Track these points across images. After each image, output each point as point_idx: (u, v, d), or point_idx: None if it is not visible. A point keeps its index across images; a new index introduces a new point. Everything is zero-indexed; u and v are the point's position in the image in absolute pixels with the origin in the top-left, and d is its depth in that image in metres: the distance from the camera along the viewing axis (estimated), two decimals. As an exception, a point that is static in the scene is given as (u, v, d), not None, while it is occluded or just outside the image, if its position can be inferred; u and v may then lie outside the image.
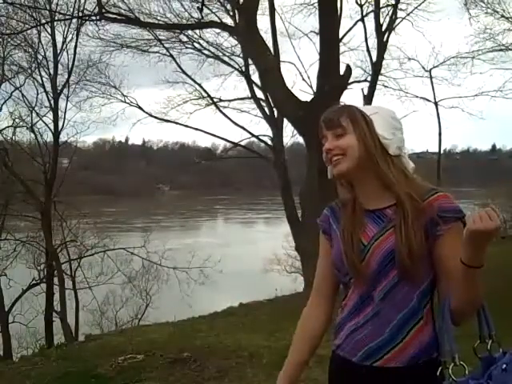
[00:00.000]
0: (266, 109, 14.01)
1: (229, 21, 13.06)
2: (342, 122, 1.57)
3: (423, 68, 13.93)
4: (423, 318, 1.54)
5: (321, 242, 1.74)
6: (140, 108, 14.95)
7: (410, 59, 13.73)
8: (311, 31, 13.03)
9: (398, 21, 12.97)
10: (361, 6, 12.64)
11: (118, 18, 11.41)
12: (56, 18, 12.65)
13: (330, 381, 1.80)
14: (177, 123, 15.14)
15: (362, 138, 1.55)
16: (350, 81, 11.06)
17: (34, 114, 14.63)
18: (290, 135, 14.19)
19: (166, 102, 14.85)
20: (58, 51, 14.17)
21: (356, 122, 1.57)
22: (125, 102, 14.98)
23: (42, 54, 14.22)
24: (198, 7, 11.25)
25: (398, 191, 1.54)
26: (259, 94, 14.14)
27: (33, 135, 14.94)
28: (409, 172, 1.60)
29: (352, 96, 13.99)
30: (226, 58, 14.61)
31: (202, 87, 14.94)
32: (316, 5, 10.88)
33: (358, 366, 1.58)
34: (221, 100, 15.05)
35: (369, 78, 12.94)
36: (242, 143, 15.68)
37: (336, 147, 1.57)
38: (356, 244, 1.55)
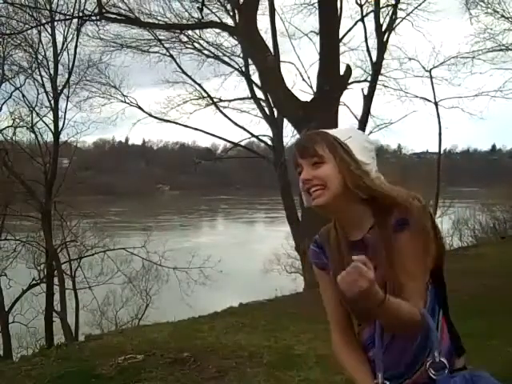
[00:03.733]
0: (266, 109, 14.02)
1: (229, 21, 13.08)
2: (318, 151, 1.51)
3: (423, 68, 13.93)
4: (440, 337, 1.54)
5: (319, 277, 1.69)
6: (140, 108, 14.96)
7: (410, 59, 13.74)
8: (311, 31, 13.04)
9: (398, 21, 12.97)
10: (361, 6, 12.64)
11: (118, 18, 11.41)
12: (56, 18, 12.65)
13: None
14: (177, 123, 15.15)
15: (342, 166, 1.50)
16: (349, 81, 11.08)
17: (34, 114, 14.63)
18: (290, 135, 14.17)
19: (166, 102, 14.86)
20: (59, 51, 14.17)
21: (333, 149, 1.51)
22: (125, 102, 15.00)
23: (43, 53, 14.23)
24: (198, 7, 11.25)
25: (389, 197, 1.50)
26: (259, 94, 14.16)
27: (33, 135, 14.95)
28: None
29: (352, 96, 14.02)
30: (226, 58, 14.63)
31: (202, 87, 14.96)
32: (316, 5, 10.88)
33: None
34: (221, 100, 15.06)
35: (369, 78, 12.95)
36: (242, 143, 15.70)
37: (314, 177, 1.50)
38: None
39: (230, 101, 15.11)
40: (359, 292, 1.29)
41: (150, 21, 12.67)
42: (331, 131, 1.59)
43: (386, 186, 1.53)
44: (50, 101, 14.50)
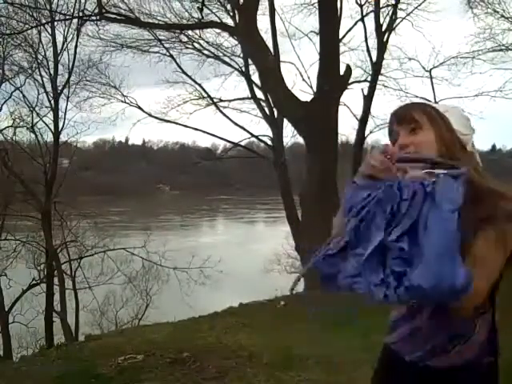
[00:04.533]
0: (266, 109, 14.01)
1: (229, 21, 13.07)
2: (416, 117, 1.52)
3: (423, 68, 13.91)
4: (480, 318, 1.53)
5: None
6: (140, 108, 14.95)
7: (410, 59, 13.71)
8: (311, 31, 13.04)
9: (398, 21, 12.95)
10: (361, 6, 12.64)
11: (118, 18, 11.42)
12: (56, 18, 12.66)
13: (377, 372, 1.74)
14: (177, 123, 15.14)
15: (440, 133, 1.50)
16: (350, 81, 11.09)
17: (34, 114, 14.64)
18: (290, 135, 14.18)
19: (166, 102, 14.84)
20: (59, 51, 14.17)
21: (432, 117, 1.52)
22: (125, 102, 14.98)
23: (43, 54, 14.23)
24: (198, 7, 11.26)
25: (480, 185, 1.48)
26: (259, 94, 14.15)
27: (33, 135, 14.95)
28: (482, 170, 1.57)
29: (352, 96, 14.01)
30: (226, 58, 14.61)
31: (202, 87, 14.94)
32: (316, 5, 10.88)
33: (411, 364, 1.56)
34: (221, 100, 15.04)
35: (369, 78, 12.94)
36: (242, 143, 15.68)
37: (411, 143, 1.50)
38: None
39: (230, 101, 15.11)
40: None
41: (150, 21, 12.67)
42: (434, 105, 1.60)
43: (481, 169, 1.53)
44: (50, 101, 14.51)
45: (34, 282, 14.61)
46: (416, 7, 12.83)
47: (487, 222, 1.42)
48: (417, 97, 14.28)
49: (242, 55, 13.96)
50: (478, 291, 1.37)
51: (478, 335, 1.53)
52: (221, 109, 14.95)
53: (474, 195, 1.40)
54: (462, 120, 1.56)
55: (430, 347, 1.54)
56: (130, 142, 68.34)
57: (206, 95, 14.95)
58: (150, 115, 14.95)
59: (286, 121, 13.02)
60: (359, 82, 13.23)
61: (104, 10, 10.09)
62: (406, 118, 1.53)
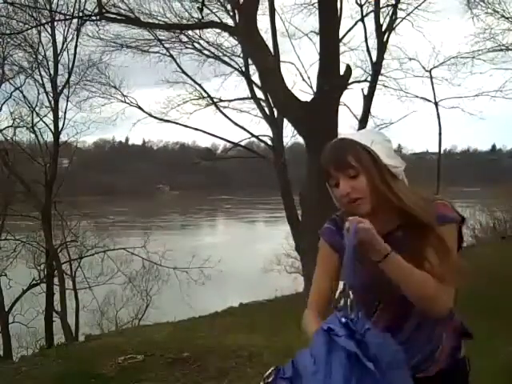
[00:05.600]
0: (266, 109, 14.00)
1: (229, 21, 13.06)
2: (352, 162, 1.56)
3: (423, 68, 13.89)
4: (449, 323, 1.67)
5: (322, 251, 1.74)
6: (140, 108, 14.93)
7: (410, 59, 13.69)
8: (311, 31, 13.01)
9: (398, 21, 12.93)
10: (361, 6, 12.62)
11: (118, 18, 11.39)
12: (56, 18, 12.65)
13: None
14: (177, 123, 15.12)
15: (372, 178, 1.56)
16: (350, 81, 11.06)
17: (34, 114, 14.64)
18: (290, 135, 14.15)
19: (166, 102, 14.82)
20: (59, 51, 14.18)
21: (362, 161, 1.56)
22: (125, 102, 14.96)
23: (43, 53, 14.23)
24: (198, 7, 11.23)
25: (418, 216, 1.56)
26: (259, 94, 14.13)
27: (33, 135, 14.96)
28: (411, 189, 1.65)
29: (352, 96, 14.00)
30: (226, 58, 14.59)
31: (202, 87, 14.93)
32: (316, 5, 10.87)
33: None
34: (221, 100, 15.03)
35: (369, 78, 12.93)
36: (242, 143, 15.65)
37: (353, 190, 1.56)
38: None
39: (230, 101, 15.09)
40: (366, 235, 1.44)
41: (150, 21, 12.65)
42: (354, 137, 1.63)
43: (410, 201, 1.59)
44: (50, 101, 14.51)
45: (34, 282, 14.61)
46: (416, 7, 12.82)
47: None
48: (417, 97, 14.30)
49: (242, 55, 13.95)
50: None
51: (447, 339, 1.66)
52: (221, 109, 14.94)
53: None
54: (388, 151, 1.62)
55: (417, 360, 1.61)
56: (130, 142, 68.51)
57: (206, 95, 14.95)
58: (150, 115, 14.93)
59: (285, 121, 13.01)
60: (359, 82, 13.22)
61: (104, 10, 10.06)
62: (343, 164, 1.57)
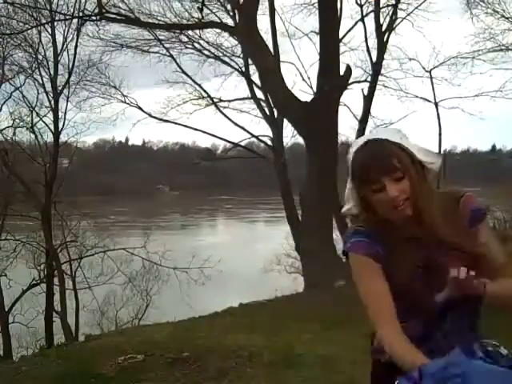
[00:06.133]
0: (266, 109, 14.01)
1: (229, 21, 13.08)
2: (396, 165, 1.52)
3: (423, 68, 13.90)
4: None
5: (366, 266, 1.62)
6: (140, 108, 14.96)
7: (410, 59, 13.71)
8: (311, 31, 13.03)
9: (398, 21, 12.95)
10: (361, 6, 12.63)
11: (118, 18, 11.43)
12: (56, 18, 12.65)
13: None
14: (177, 123, 15.15)
15: (413, 179, 1.54)
16: (350, 81, 11.08)
17: (34, 115, 14.61)
18: (290, 135, 14.17)
19: (166, 102, 14.86)
20: (59, 51, 14.14)
21: (403, 162, 1.54)
22: (125, 102, 15.00)
23: (43, 54, 14.20)
24: (198, 7, 11.25)
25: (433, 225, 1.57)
26: (259, 94, 14.15)
27: (33, 135, 14.92)
28: (435, 188, 1.69)
29: (352, 96, 14.00)
30: (226, 59, 14.61)
31: (201, 87, 14.95)
32: (316, 5, 10.87)
33: None
34: (221, 100, 15.05)
35: (369, 78, 12.93)
36: (242, 143, 15.70)
37: (401, 193, 1.52)
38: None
39: (230, 101, 15.11)
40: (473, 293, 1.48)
41: (150, 21, 12.67)
42: (386, 136, 1.59)
43: (432, 213, 1.59)
44: (50, 101, 14.50)
45: (34, 282, 14.59)
46: (416, 7, 12.84)
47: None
48: (417, 97, 14.31)
49: (242, 55, 13.96)
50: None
51: None
52: (221, 109, 14.97)
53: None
54: (419, 148, 1.61)
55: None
56: (130, 142, 68.42)
57: (205, 95, 14.97)
58: (149, 115, 14.97)
59: (285, 121, 13.02)
60: (359, 82, 13.23)
61: (104, 10, 10.10)
62: (390, 168, 1.52)
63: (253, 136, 14.78)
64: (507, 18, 12.57)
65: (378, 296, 1.58)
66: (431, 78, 13.94)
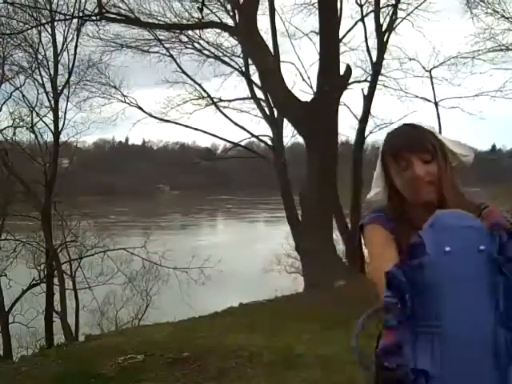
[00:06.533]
0: (266, 109, 14.01)
1: (229, 21, 13.08)
2: (429, 147, 1.53)
3: (423, 68, 13.90)
4: None
5: (381, 235, 1.59)
6: (140, 108, 14.96)
7: (410, 59, 13.70)
8: (311, 31, 13.03)
9: (398, 21, 12.94)
10: (361, 6, 12.63)
11: (118, 18, 11.43)
12: (56, 18, 12.65)
13: None
14: (177, 123, 15.15)
15: (441, 166, 1.54)
16: (350, 81, 11.08)
17: (34, 114, 14.62)
18: (290, 135, 14.17)
19: (166, 102, 14.85)
20: (59, 51, 14.16)
21: (436, 147, 1.54)
22: (125, 102, 14.99)
23: (43, 54, 14.21)
24: (198, 7, 11.25)
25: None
26: (259, 94, 14.15)
27: (33, 135, 14.94)
28: (460, 189, 1.63)
29: (352, 96, 14.01)
30: (226, 59, 14.61)
31: (202, 87, 14.95)
32: (316, 5, 10.87)
33: None
34: (221, 100, 15.05)
35: (369, 78, 12.93)
36: (242, 143, 15.69)
37: (427, 174, 1.52)
38: None
39: (230, 101, 15.11)
40: None
41: (150, 21, 12.67)
42: (423, 125, 1.61)
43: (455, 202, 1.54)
44: (49, 101, 14.50)
45: (34, 282, 14.60)
46: (416, 7, 12.83)
47: None
48: (417, 97, 14.30)
49: (242, 55, 13.96)
50: None
51: None
52: (221, 109, 14.97)
53: None
54: (450, 140, 1.61)
55: None
56: (130, 142, 68.55)
57: (206, 95, 14.97)
58: (150, 115, 14.96)
59: (285, 121, 13.02)
60: (359, 82, 13.23)
61: (104, 10, 10.09)
62: (420, 147, 1.53)
63: (253, 136, 14.79)
64: (507, 18, 12.58)
65: (384, 262, 1.49)
66: (431, 77, 13.95)
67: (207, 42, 14.30)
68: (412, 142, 1.55)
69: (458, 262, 1.20)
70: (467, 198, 1.63)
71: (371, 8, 12.62)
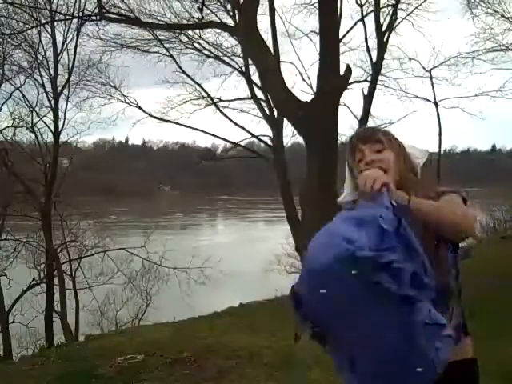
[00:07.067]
0: (266, 109, 14.00)
1: (229, 21, 13.06)
2: (381, 138, 1.67)
3: (423, 68, 13.89)
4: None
5: None
6: (140, 108, 14.92)
7: (410, 59, 13.69)
8: (311, 31, 13.01)
9: (398, 21, 12.92)
10: (361, 6, 12.62)
11: (118, 18, 11.40)
12: (56, 18, 12.65)
13: None
14: (177, 123, 15.11)
15: (398, 155, 1.66)
16: (350, 81, 11.05)
17: (34, 114, 14.64)
18: (290, 135, 14.16)
19: (166, 102, 14.81)
20: (59, 51, 14.18)
21: (393, 138, 1.69)
22: (125, 102, 14.95)
23: (43, 54, 14.23)
24: (198, 7, 11.24)
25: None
26: (259, 94, 14.12)
27: (33, 135, 14.96)
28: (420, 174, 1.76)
29: (352, 96, 13.99)
30: (226, 58, 14.59)
31: (202, 87, 14.93)
32: (316, 5, 10.87)
33: None
34: (221, 100, 15.03)
35: (369, 78, 12.93)
36: (242, 143, 15.65)
37: (378, 160, 1.64)
38: None
39: (230, 101, 15.08)
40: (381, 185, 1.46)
41: (150, 21, 12.64)
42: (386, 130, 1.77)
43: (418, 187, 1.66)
44: (50, 101, 14.51)
45: (34, 282, 14.61)
46: (416, 7, 12.82)
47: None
48: (417, 97, 14.29)
49: (242, 55, 13.94)
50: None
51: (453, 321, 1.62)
52: (221, 109, 14.94)
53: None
54: (409, 145, 1.74)
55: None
56: (130, 142, 68.59)
57: (205, 95, 14.94)
58: (150, 115, 14.92)
59: (286, 121, 13.00)
60: (359, 82, 13.21)
61: (104, 10, 10.07)
62: (372, 138, 1.67)
63: (253, 136, 14.77)
64: (507, 18, 12.57)
65: None
66: (431, 77, 13.94)
67: (207, 42, 14.30)
68: (364, 134, 1.71)
69: (338, 298, 1.30)
70: (427, 186, 1.70)
71: (371, 8, 12.62)
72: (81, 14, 11.81)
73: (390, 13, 12.68)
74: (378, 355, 1.31)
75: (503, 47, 12.88)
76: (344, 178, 1.79)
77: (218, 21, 12.69)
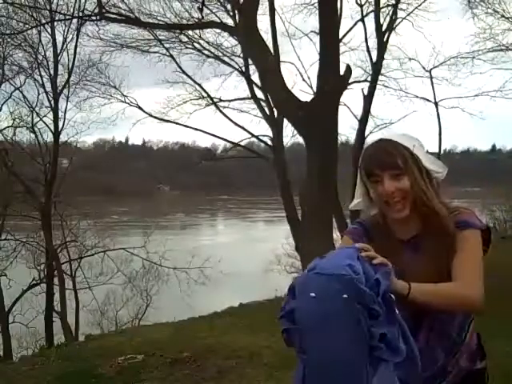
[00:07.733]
0: (266, 109, 14.00)
1: (229, 21, 13.06)
2: (399, 163, 1.57)
3: (423, 68, 13.90)
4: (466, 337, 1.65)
5: (344, 241, 1.74)
6: (140, 108, 14.92)
7: (410, 59, 13.69)
8: (311, 31, 13.03)
9: (398, 21, 12.94)
10: (361, 6, 12.63)
11: (118, 18, 11.39)
12: (56, 18, 12.64)
13: None
14: (177, 123, 15.11)
15: (415, 182, 1.57)
16: (350, 81, 11.06)
17: (34, 114, 14.65)
18: (290, 135, 14.17)
19: (166, 102, 14.81)
20: (59, 51, 14.19)
21: (408, 163, 1.58)
22: (125, 102, 14.94)
23: (43, 54, 14.24)
24: (198, 7, 11.24)
25: (443, 222, 1.59)
26: (259, 94, 14.12)
27: (33, 135, 14.97)
28: (440, 197, 1.67)
29: (352, 96, 14.01)
30: (226, 58, 14.58)
31: (202, 87, 14.93)
32: (316, 5, 10.87)
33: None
34: (221, 100, 15.03)
35: (369, 78, 12.94)
36: (242, 143, 15.65)
37: (396, 190, 1.57)
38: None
39: (230, 101, 15.09)
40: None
41: (150, 21, 12.64)
42: (399, 139, 1.63)
43: (440, 210, 1.61)
44: (49, 101, 14.52)
45: (33, 282, 14.61)
46: (416, 7, 12.82)
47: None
48: (417, 97, 14.29)
49: (242, 55, 13.94)
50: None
51: (469, 342, 1.65)
52: (221, 109, 14.94)
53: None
54: (428, 156, 1.65)
55: (438, 367, 1.61)
56: (130, 142, 68.53)
57: (205, 95, 14.94)
58: (150, 115, 14.92)
59: (286, 121, 13.01)
60: (359, 82, 13.23)
61: (104, 10, 10.06)
62: (390, 163, 1.58)
63: (253, 136, 14.77)
64: (507, 18, 12.57)
65: None
66: (431, 77, 13.95)
67: (207, 42, 14.30)
68: (381, 157, 1.59)
69: (321, 307, 1.29)
70: (447, 205, 1.66)
71: (371, 8, 12.63)
72: (81, 14, 11.80)
73: (390, 13, 12.70)
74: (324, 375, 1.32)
75: (503, 47, 12.89)
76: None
77: (218, 21, 12.68)
